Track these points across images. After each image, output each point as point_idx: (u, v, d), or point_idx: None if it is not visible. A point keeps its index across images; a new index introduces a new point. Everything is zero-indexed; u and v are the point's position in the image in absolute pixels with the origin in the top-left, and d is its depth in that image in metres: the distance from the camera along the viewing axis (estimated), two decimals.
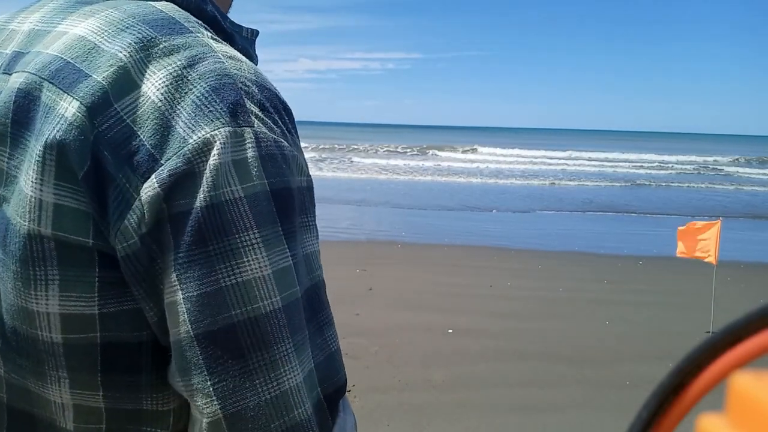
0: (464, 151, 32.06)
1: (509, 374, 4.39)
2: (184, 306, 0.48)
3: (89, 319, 0.51)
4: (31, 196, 0.49)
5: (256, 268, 0.49)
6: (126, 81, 0.50)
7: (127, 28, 0.53)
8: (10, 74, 0.56)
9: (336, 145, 32.61)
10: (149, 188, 0.48)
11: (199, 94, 0.50)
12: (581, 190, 17.96)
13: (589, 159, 29.85)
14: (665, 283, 6.99)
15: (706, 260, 5.35)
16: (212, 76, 0.51)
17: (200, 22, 0.59)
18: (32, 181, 0.49)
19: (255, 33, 0.65)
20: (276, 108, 0.55)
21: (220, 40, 0.58)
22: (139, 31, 0.53)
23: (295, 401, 0.51)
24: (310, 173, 0.59)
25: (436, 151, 31.70)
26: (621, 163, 28.14)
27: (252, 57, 0.64)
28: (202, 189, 0.48)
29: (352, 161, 24.82)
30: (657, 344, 5.02)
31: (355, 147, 32.02)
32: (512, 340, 5.06)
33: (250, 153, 0.50)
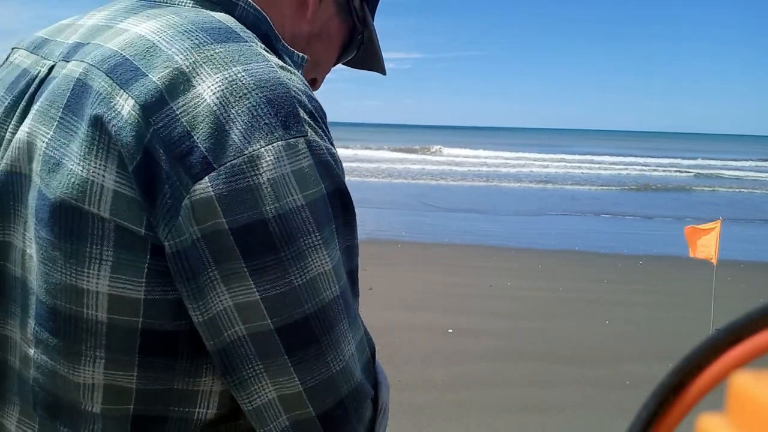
0: (432, 152, 31.82)
1: (509, 374, 4.39)
2: (262, 305, 0.53)
3: (135, 303, 0.53)
4: (93, 181, 0.51)
5: (319, 265, 0.55)
6: (182, 82, 0.52)
7: (186, 32, 0.55)
8: (68, 62, 0.58)
9: None
10: (202, 191, 0.50)
11: (255, 103, 0.52)
12: (578, 192, 17.96)
13: (589, 160, 29.85)
14: (665, 283, 6.99)
15: (706, 259, 5.35)
16: (267, 85, 0.53)
17: (254, 34, 0.62)
18: (93, 166, 0.52)
19: (304, 59, 0.68)
20: (322, 117, 0.59)
21: (271, 52, 0.61)
22: (197, 36, 0.55)
23: (353, 366, 0.60)
24: None
25: (442, 147, 31.69)
26: (621, 164, 28.14)
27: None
28: (265, 201, 0.52)
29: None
30: (657, 344, 5.02)
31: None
32: (512, 340, 5.06)
33: (306, 162, 0.54)
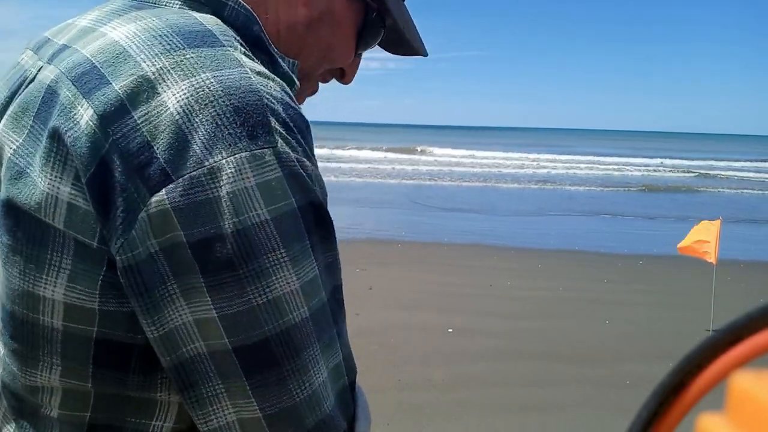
0: (429, 153, 31.71)
1: (509, 374, 4.40)
2: (219, 323, 0.51)
3: (89, 313, 0.53)
4: (49, 193, 0.51)
5: (284, 285, 0.52)
6: (146, 90, 0.50)
7: (159, 36, 0.54)
8: (49, 65, 0.58)
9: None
10: (158, 203, 0.49)
11: (220, 111, 0.50)
12: (574, 193, 17.96)
13: (588, 161, 29.84)
14: (665, 283, 6.99)
15: (706, 259, 5.35)
16: (236, 93, 0.51)
17: (238, 38, 0.59)
18: (49, 178, 0.51)
19: (296, 64, 0.67)
20: (299, 127, 0.55)
21: (254, 57, 0.58)
22: (170, 40, 0.53)
23: (323, 396, 0.56)
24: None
25: (428, 148, 31.68)
26: (621, 164, 28.14)
27: (294, 82, 0.64)
28: (224, 215, 0.49)
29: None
30: (657, 344, 5.02)
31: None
32: (512, 339, 5.06)
33: (273, 174, 0.51)
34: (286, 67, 0.63)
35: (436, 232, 9.77)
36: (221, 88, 0.51)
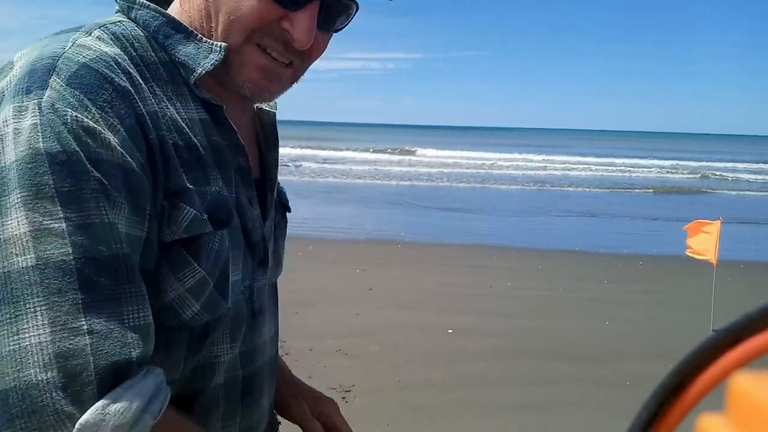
0: (424, 155, 31.69)
1: (509, 374, 4.39)
2: None
3: None
4: None
5: (13, 227, 0.53)
6: (6, 68, 0.64)
7: (41, 39, 0.67)
8: None
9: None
10: None
11: (21, 75, 0.60)
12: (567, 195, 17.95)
13: (588, 161, 29.82)
14: (665, 283, 6.98)
15: (706, 260, 5.35)
16: (39, 59, 0.61)
17: (111, 28, 0.70)
18: None
19: (222, 46, 0.72)
20: (85, 86, 0.60)
21: (107, 40, 0.67)
22: (45, 36, 0.67)
23: (34, 360, 0.51)
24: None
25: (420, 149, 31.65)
26: (622, 164, 28.12)
27: (196, 60, 0.72)
28: None
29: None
30: (657, 344, 5.01)
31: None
32: (512, 339, 5.05)
33: (28, 122, 0.57)
34: (191, 50, 0.72)
35: (437, 232, 9.76)
36: (32, 58, 0.61)
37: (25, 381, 0.50)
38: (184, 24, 0.74)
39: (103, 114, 0.59)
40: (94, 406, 0.52)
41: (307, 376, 4.18)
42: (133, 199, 0.60)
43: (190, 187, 0.68)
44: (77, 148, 0.56)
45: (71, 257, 0.54)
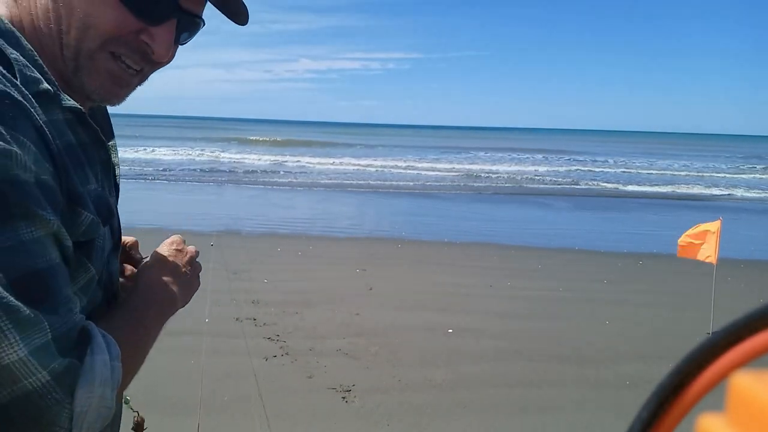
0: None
1: (509, 374, 4.39)
2: None
3: None
4: None
5: None
6: None
7: None
8: None
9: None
10: None
11: None
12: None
13: (590, 161, 29.80)
14: (665, 283, 6.99)
15: (706, 260, 5.35)
16: None
17: None
18: None
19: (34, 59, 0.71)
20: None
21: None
22: None
23: (22, 373, 0.59)
24: None
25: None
26: (622, 165, 28.10)
27: (29, 75, 0.68)
28: None
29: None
30: (657, 344, 5.01)
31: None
32: (512, 340, 5.05)
33: None
34: (19, 56, 0.68)
35: (437, 232, 9.76)
36: None
37: (25, 391, 0.59)
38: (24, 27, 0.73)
39: (12, 132, 0.60)
40: (78, 382, 0.63)
41: (307, 376, 4.18)
42: (53, 211, 0.64)
43: (82, 190, 0.71)
44: (8, 174, 0.58)
45: (4, 277, 0.58)
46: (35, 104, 0.67)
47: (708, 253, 5.31)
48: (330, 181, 17.62)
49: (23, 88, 0.65)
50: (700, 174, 24.50)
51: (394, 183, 17.88)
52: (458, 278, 6.85)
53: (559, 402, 3.97)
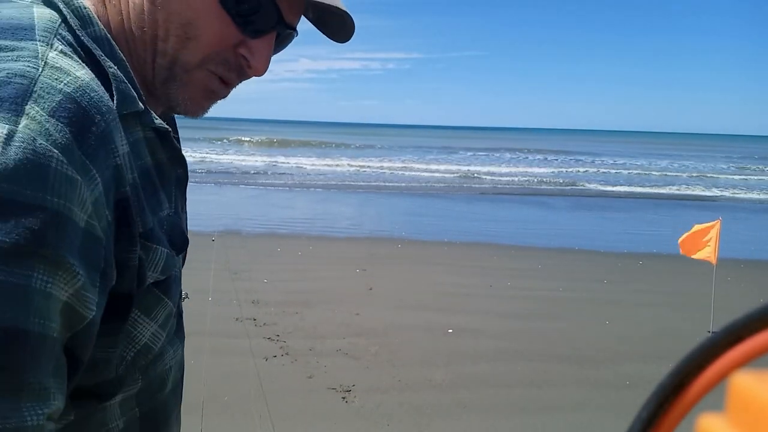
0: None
1: (509, 374, 4.39)
2: None
3: None
4: None
5: None
6: None
7: None
8: None
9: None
10: None
11: None
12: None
13: (591, 161, 29.81)
14: (665, 283, 6.99)
15: (705, 260, 5.35)
16: (6, 75, 0.50)
17: (64, 35, 0.58)
18: None
19: (125, 66, 0.64)
20: (84, 130, 0.52)
21: (72, 56, 0.57)
22: None
23: None
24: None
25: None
26: (623, 164, 28.12)
27: (127, 94, 0.62)
28: None
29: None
30: (657, 344, 5.01)
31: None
32: (512, 340, 5.05)
33: None
34: (117, 70, 0.61)
35: (437, 232, 9.76)
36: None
37: None
38: (114, 28, 0.67)
39: (86, 162, 0.52)
40: None
41: (307, 376, 4.18)
42: (86, 267, 0.53)
43: (153, 225, 0.64)
44: (40, 200, 0.48)
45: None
46: (121, 130, 0.59)
47: (708, 253, 5.31)
48: (330, 182, 17.63)
49: (115, 110, 0.58)
50: (700, 174, 24.51)
51: (394, 183, 17.89)
52: (458, 278, 6.85)
53: (559, 402, 3.97)
